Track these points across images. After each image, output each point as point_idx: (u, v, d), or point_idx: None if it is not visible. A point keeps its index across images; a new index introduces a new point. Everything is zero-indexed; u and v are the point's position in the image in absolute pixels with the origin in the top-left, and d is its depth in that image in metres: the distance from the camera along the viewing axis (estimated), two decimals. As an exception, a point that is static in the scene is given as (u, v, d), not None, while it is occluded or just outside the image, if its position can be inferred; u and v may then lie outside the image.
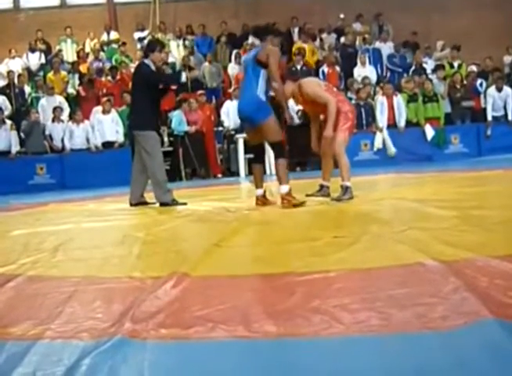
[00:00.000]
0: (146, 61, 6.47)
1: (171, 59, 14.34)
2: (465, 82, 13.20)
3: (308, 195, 5.96)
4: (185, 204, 6.20)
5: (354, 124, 5.90)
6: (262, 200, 5.69)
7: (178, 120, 11.89)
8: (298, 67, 12.74)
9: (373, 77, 13.44)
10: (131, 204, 6.50)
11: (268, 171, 12.13)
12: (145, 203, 6.54)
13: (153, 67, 6.43)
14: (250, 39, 14.97)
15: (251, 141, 5.96)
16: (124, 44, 14.84)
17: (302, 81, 5.86)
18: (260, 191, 5.72)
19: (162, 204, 6.26)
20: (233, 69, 13.86)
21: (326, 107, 5.59)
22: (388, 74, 14.12)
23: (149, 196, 6.55)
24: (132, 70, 13.44)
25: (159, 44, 6.80)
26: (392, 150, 11.99)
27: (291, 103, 12.76)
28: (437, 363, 1.57)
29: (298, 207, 5.27)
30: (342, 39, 14.92)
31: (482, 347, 1.63)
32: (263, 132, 5.54)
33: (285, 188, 5.43)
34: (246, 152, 12.01)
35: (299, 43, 14.26)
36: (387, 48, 14.54)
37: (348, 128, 5.69)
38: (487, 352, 1.59)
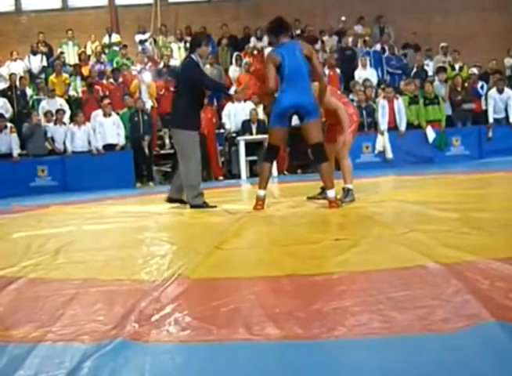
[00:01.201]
0: (194, 57, 6.16)
1: (172, 62, 14.36)
2: (466, 84, 13.20)
3: (309, 198, 5.96)
4: (215, 207, 6.02)
5: (357, 126, 5.91)
6: (263, 204, 5.54)
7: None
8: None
9: (374, 80, 13.45)
10: (169, 200, 6.33)
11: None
12: (180, 201, 6.28)
13: (200, 63, 6.17)
14: (252, 42, 15.02)
15: (276, 142, 5.61)
16: (124, 46, 14.86)
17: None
18: (263, 192, 5.54)
19: (193, 206, 6.07)
20: (234, 71, 13.88)
21: (335, 112, 5.61)
22: (388, 78, 14.13)
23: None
24: (134, 72, 13.54)
25: (204, 37, 6.50)
26: (390, 155, 12.02)
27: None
28: (438, 365, 1.57)
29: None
30: (343, 41, 14.94)
31: (483, 349, 1.63)
32: (311, 131, 5.37)
33: (332, 193, 5.33)
34: (247, 154, 12.03)
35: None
36: (386, 51, 14.56)
37: (352, 131, 5.70)
38: (488, 355, 1.59)
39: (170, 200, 6.35)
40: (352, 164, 5.80)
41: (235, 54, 14.26)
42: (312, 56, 5.42)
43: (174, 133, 6.37)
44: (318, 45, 14.67)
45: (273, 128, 5.57)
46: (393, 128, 12.18)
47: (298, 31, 15.54)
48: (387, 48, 14.57)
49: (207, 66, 13.92)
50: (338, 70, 13.43)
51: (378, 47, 14.60)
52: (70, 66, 14.48)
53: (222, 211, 5.63)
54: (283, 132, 5.66)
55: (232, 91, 6.54)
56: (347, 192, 5.56)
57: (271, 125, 5.65)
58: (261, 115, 12.55)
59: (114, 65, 14.31)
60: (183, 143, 6.10)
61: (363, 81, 12.86)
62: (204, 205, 6.04)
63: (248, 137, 12.08)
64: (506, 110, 12.69)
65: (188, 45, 15.05)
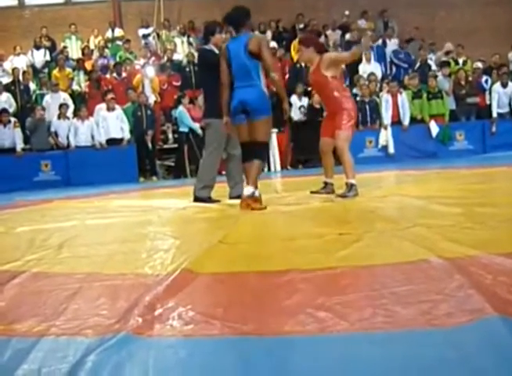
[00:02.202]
0: (207, 47, 6.19)
1: (175, 56, 14.34)
2: (470, 79, 13.18)
3: (312, 192, 5.96)
4: (218, 201, 6.01)
5: (355, 122, 5.90)
6: (251, 201, 5.20)
7: (186, 116, 11.87)
8: (303, 64, 12.69)
9: (378, 74, 13.43)
10: (230, 197, 6.17)
11: (272, 168, 12.19)
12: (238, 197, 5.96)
13: (216, 51, 6.03)
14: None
15: (242, 138, 5.42)
16: (128, 41, 14.84)
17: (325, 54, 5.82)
18: (251, 189, 5.26)
19: (196, 199, 6.06)
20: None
21: (336, 100, 5.62)
22: (394, 70, 14.11)
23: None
24: (137, 66, 13.53)
25: (217, 25, 6.39)
26: (392, 150, 12.02)
27: (294, 99, 12.80)
28: (441, 359, 1.56)
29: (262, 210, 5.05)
30: (347, 36, 14.91)
31: (486, 344, 1.63)
32: (256, 129, 5.26)
33: (249, 190, 5.18)
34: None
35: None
36: (392, 44, 14.54)
37: (351, 126, 5.70)
38: (491, 350, 1.59)
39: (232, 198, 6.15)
40: (355, 158, 5.79)
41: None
42: (261, 50, 5.18)
43: (204, 125, 6.29)
44: (321, 40, 14.66)
45: (234, 125, 5.43)
46: (396, 122, 12.17)
47: (302, 26, 15.53)
48: (397, 41, 14.56)
49: (195, 52, 13.92)
50: (343, 65, 13.39)
51: (388, 41, 14.58)
52: (73, 60, 14.49)
53: (226, 206, 5.63)
54: (245, 128, 5.37)
55: None
56: (350, 187, 5.56)
57: (231, 122, 5.45)
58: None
59: (117, 59, 14.30)
60: (210, 134, 6.05)
61: (368, 75, 12.84)
62: (208, 200, 6.03)
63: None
64: (510, 104, 12.67)
65: (191, 39, 15.07)
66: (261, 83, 5.28)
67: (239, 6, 5.62)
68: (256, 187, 5.25)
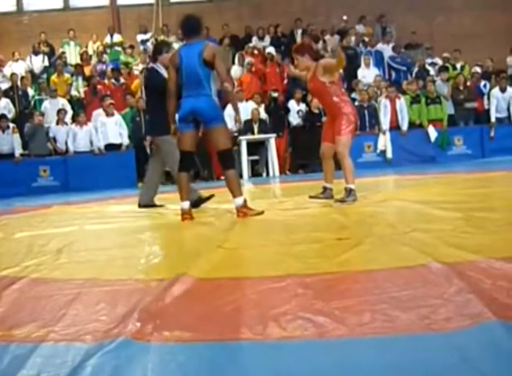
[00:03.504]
0: (155, 66, 6.40)
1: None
2: (468, 83, 13.20)
3: (311, 197, 5.96)
4: (209, 198, 6.29)
5: (355, 126, 5.90)
6: (190, 214, 5.24)
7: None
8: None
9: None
10: (140, 206, 6.49)
11: (271, 173, 12.19)
12: (153, 205, 6.51)
13: (162, 71, 6.25)
14: (254, 41, 15.03)
15: (185, 147, 5.32)
16: (131, 47, 14.89)
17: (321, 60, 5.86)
18: (186, 204, 5.27)
19: (142, 206, 6.41)
20: (236, 71, 13.88)
21: (335, 106, 5.63)
22: (394, 75, 14.14)
23: (157, 198, 6.56)
24: (136, 72, 13.55)
25: (165, 45, 6.68)
26: (389, 155, 12.04)
27: (292, 103, 12.81)
28: (441, 364, 1.57)
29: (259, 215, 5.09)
30: (345, 41, 14.93)
31: (486, 349, 1.63)
32: (215, 137, 5.18)
33: (240, 200, 5.14)
34: (249, 154, 12.02)
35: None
36: (389, 49, 14.58)
37: (351, 131, 5.70)
38: (490, 354, 1.59)
39: (141, 207, 6.48)
40: (354, 163, 5.79)
41: (237, 54, 14.27)
42: (215, 59, 5.09)
43: (155, 140, 6.50)
44: (320, 44, 14.70)
45: (179, 132, 5.34)
46: (395, 127, 12.19)
47: (300, 31, 15.56)
48: (391, 46, 14.60)
49: None
50: (341, 70, 13.43)
51: (384, 46, 14.62)
52: (71, 66, 14.50)
53: (224, 211, 5.63)
54: (190, 137, 5.30)
55: None
56: (349, 192, 5.56)
57: (177, 130, 5.36)
58: (263, 115, 12.55)
59: (120, 62, 14.33)
60: (166, 148, 6.18)
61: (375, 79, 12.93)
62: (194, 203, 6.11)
63: (250, 137, 12.08)
64: (508, 109, 12.69)
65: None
66: (211, 93, 5.16)
67: (192, 14, 5.52)
68: (241, 194, 5.21)
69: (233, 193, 5.20)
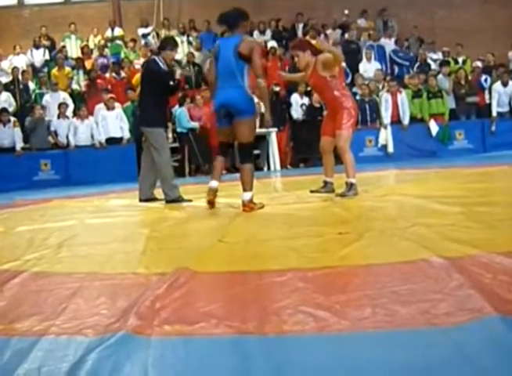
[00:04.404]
0: (156, 58, 6.40)
1: (176, 56, 14.34)
2: (470, 78, 13.18)
3: (312, 191, 5.97)
4: (190, 201, 6.19)
5: (356, 120, 5.90)
6: (214, 195, 5.36)
7: (185, 116, 11.89)
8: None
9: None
10: (141, 200, 6.48)
11: (272, 167, 12.18)
12: (154, 199, 6.51)
13: (162, 65, 6.25)
14: (255, 36, 14.99)
15: (222, 139, 5.45)
16: (133, 41, 14.86)
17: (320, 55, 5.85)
18: (214, 183, 5.34)
19: (168, 201, 6.23)
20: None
21: (336, 101, 5.63)
22: (396, 69, 14.13)
23: (158, 192, 6.55)
24: (137, 66, 13.52)
25: (172, 42, 6.58)
26: (391, 149, 12.03)
27: (295, 97, 12.79)
28: (441, 358, 1.57)
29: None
30: (347, 35, 14.92)
31: (486, 343, 1.63)
32: (240, 130, 5.23)
33: (248, 195, 5.16)
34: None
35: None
36: (391, 43, 14.56)
37: (352, 125, 5.70)
38: (491, 349, 1.59)
39: (142, 201, 6.50)
40: (355, 157, 5.79)
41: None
42: (252, 54, 5.13)
43: (144, 132, 6.50)
44: (322, 38, 14.66)
45: (216, 127, 5.56)
46: (396, 121, 12.17)
47: (301, 25, 15.53)
48: (393, 40, 14.59)
49: (195, 52, 13.99)
50: (343, 64, 13.42)
51: (386, 41, 14.60)
52: (72, 59, 14.48)
53: (225, 205, 5.63)
54: (226, 132, 5.37)
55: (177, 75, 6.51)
56: (350, 186, 5.56)
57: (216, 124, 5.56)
58: (263, 109, 12.52)
59: (121, 56, 14.31)
60: (155, 140, 6.30)
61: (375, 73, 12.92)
62: (179, 199, 6.22)
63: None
64: (510, 103, 12.67)
65: (191, 39, 15.08)
66: (244, 85, 5.20)
67: (238, 8, 5.63)
68: (251, 189, 5.24)
69: (244, 187, 5.23)
